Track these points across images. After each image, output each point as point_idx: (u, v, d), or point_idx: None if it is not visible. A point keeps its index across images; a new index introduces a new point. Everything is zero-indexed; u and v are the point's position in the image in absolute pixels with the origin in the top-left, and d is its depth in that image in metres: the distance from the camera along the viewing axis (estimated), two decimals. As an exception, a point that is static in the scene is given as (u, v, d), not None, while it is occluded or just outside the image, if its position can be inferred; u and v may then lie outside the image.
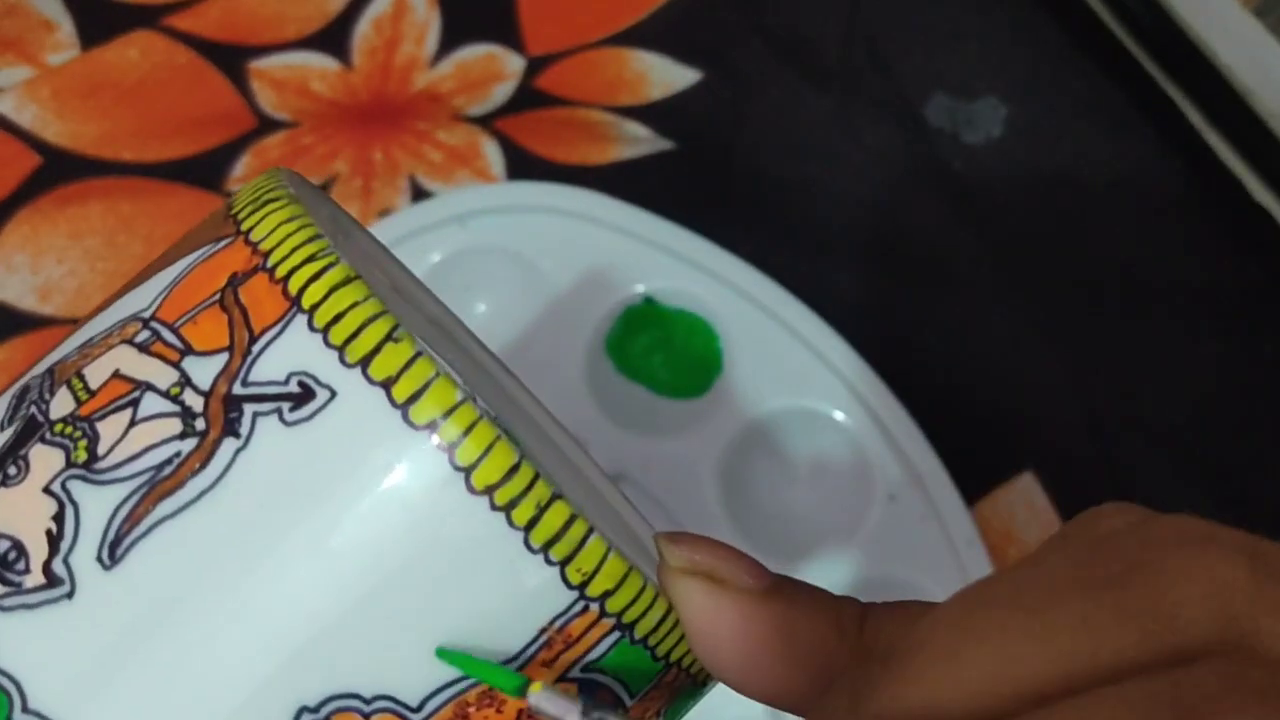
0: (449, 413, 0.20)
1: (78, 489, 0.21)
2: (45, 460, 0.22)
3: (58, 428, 0.22)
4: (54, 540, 0.21)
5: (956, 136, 0.50)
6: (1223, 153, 0.48)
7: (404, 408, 0.20)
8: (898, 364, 0.44)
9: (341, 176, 0.49)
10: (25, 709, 0.21)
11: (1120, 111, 0.51)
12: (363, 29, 0.53)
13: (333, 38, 0.53)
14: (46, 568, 0.21)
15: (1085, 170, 0.50)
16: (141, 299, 0.23)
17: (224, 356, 0.21)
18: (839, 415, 0.43)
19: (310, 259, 0.21)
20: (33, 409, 0.23)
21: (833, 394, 0.43)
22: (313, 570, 0.21)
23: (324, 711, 0.21)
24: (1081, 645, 0.17)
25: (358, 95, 0.51)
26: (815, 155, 0.50)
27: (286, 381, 0.21)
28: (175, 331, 0.22)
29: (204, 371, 0.21)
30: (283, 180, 0.24)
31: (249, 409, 0.21)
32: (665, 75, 0.52)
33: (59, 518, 0.21)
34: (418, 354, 0.20)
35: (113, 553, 0.21)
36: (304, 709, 0.21)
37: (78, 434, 0.22)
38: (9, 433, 0.23)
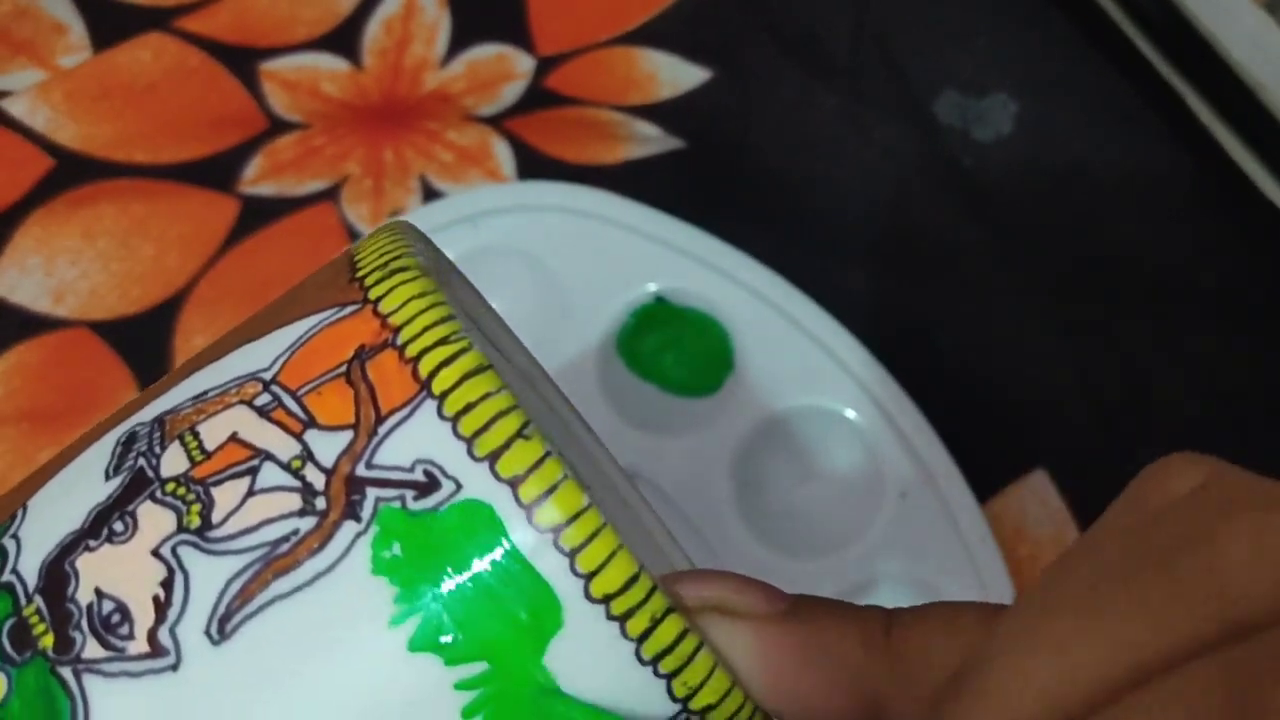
0: (574, 518, 0.20)
1: (189, 556, 0.21)
2: (155, 521, 0.21)
3: (169, 487, 0.22)
4: (161, 607, 0.21)
5: (967, 133, 0.50)
6: (1233, 149, 0.48)
7: (529, 509, 0.20)
8: (909, 361, 0.44)
9: (352, 177, 0.49)
10: None
11: (1130, 108, 0.51)
12: (373, 30, 0.53)
13: (343, 39, 0.53)
14: (152, 636, 0.21)
15: (1095, 167, 0.50)
16: (261, 357, 0.22)
17: (348, 434, 0.21)
18: (850, 413, 0.43)
19: (443, 341, 0.21)
20: (141, 462, 0.22)
21: (844, 392, 0.43)
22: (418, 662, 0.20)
23: None
24: (1141, 635, 0.17)
25: (368, 96, 0.51)
26: (825, 153, 0.50)
27: (412, 469, 0.20)
28: (299, 400, 0.22)
29: (328, 448, 0.21)
30: (409, 241, 0.23)
31: (372, 493, 0.20)
32: (675, 74, 0.52)
33: (168, 584, 0.21)
34: (547, 454, 0.20)
35: (222, 628, 0.20)
36: None
37: (191, 497, 0.21)
38: (116, 483, 0.22)
